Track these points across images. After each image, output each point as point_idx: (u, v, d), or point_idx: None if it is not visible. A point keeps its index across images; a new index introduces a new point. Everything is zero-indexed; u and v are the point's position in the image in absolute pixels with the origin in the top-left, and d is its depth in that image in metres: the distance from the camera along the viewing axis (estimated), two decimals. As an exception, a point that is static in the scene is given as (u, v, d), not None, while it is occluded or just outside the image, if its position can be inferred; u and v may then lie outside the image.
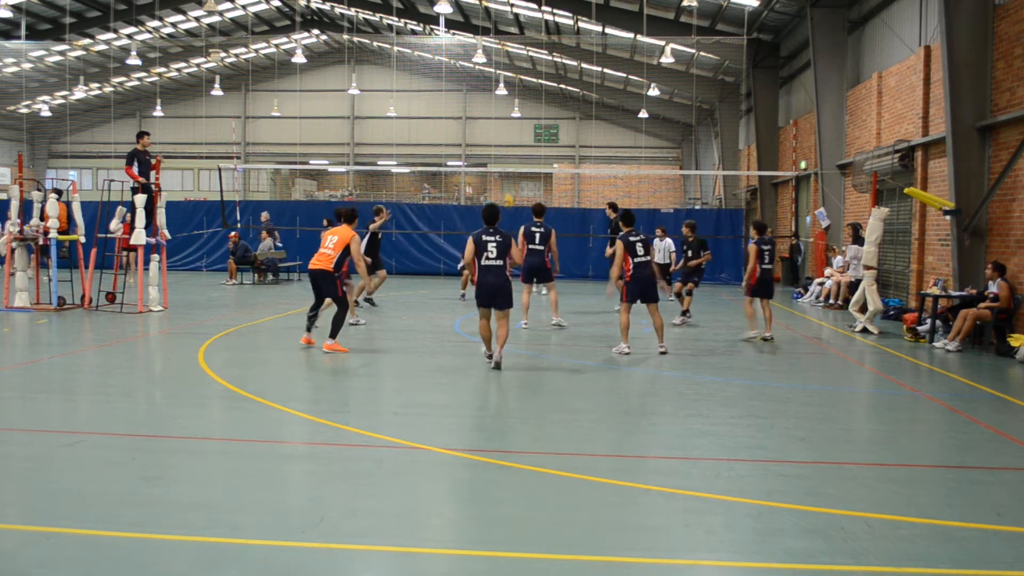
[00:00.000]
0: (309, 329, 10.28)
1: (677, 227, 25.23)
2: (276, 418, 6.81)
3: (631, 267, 10.19)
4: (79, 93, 37.26)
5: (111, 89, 38.85)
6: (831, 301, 16.71)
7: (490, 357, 9.05)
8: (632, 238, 10.27)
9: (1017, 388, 8.62)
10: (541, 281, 13.02)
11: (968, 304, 11.41)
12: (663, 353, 10.12)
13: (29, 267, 14.21)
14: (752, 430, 6.64)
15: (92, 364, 9.22)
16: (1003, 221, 11.90)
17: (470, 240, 8.92)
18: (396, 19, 31.73)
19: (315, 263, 10.06)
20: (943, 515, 4.65)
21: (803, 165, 22.61)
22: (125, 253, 14.52)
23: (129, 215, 13.73)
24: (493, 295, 8.92)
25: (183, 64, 37.67)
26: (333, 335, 10.01)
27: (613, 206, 16.48)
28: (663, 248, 15.88)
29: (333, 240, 10.08)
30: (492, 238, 8.88)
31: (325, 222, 18.46)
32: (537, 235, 12.61)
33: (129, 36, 31.13)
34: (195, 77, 39.27)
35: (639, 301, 10.30)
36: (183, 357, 9.63)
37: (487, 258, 8.86)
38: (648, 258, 10.25)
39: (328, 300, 10.35)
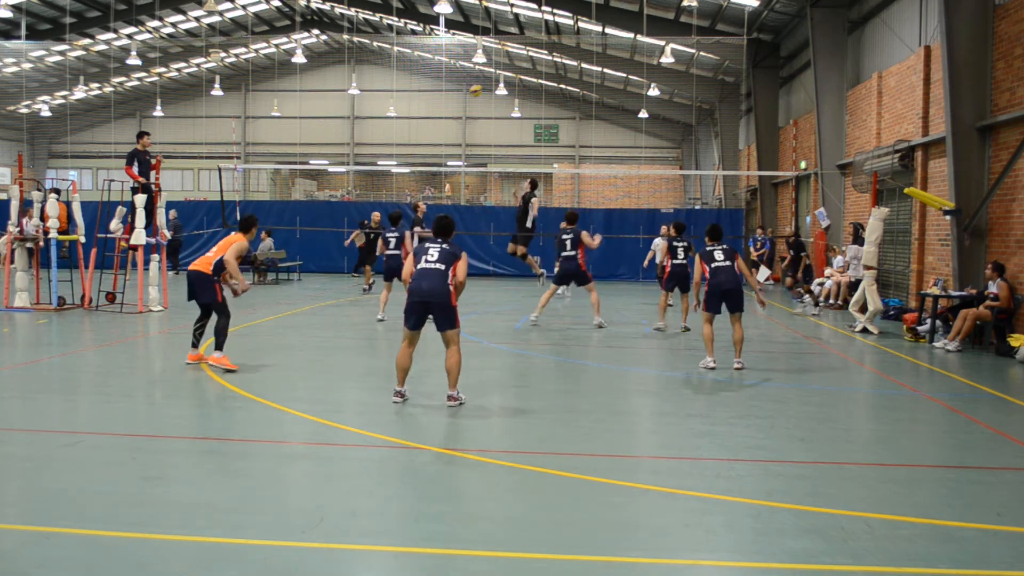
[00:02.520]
0: (195, 344, 9.03)
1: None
2: (276, 418, 6.81)
3: (708, 273, 9.31)
4: (79, 93, 37.25)
5: (111, 89, 38.84)
6: (831, 301, 16.71)
7: (400, 395, 7.20)
8: (709, 247, 9.48)
9: (1017, 388, 8.62)
10: (580, 284, 13.23)
11: (968, 304, 11.41)
12: (739, 369, 9.17)
13: (29, 267, 14.22)
14: (752, 430, 6.64)
15: (92, 364, 9.22)
16: (1003, 221, 11.90)
17: (411, 254, 7.31)
18: (396, 19, 31.73)
19: (194, 264, 8.86)
20: (943, 515, 4.65)
21: (803, 165, 22.61)
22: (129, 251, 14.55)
23: (129, 215, 13.75)
24: (426, 307, 6.96)
25: (183, 64, 37.66)
26: (219, 347, 8.65)
27: (533, 183, 15.73)
28: (663, 248, 15.68)
29: (219, 243, 8.88)
30: (436, 244, 7.17)
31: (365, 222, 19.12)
32: (568, 242, 12.86)
33: (129, 36, 31.12)
34: (195, 77, 39.26)
35: (722, 310, 9.33)
36: (183, 357, 9.62)
37: (425, 260, 7.05)
38: (728, 263, 9.29)
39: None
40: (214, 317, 8.89)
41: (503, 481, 5.25)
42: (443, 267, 7.01)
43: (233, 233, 8.93)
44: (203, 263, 8.76)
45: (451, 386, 7.20)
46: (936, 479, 5.52)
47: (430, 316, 7.10)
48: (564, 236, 12.94)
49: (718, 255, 9.40)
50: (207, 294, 8.74)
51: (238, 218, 23.12)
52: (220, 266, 8.69)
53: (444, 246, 7.15)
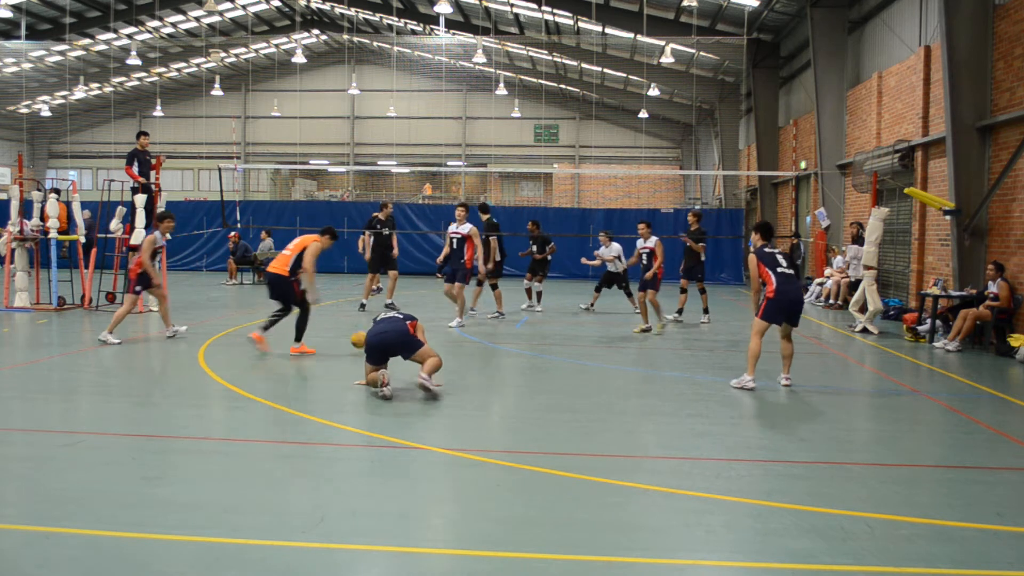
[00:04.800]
0: (266, 328, 9.71)
1: (677, 227, 25.28)
2: (276, 418, 6.81)
3: (773, 282, 8.08)
4: (79, 93, 37.26)
5: (111, 89, 38.85)
6: (831, 301, 16.71)
7: (384, 389, 7.33)
8: (768, 248, 8.34)
9: (1017, 388, 8.62)
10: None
11: (968, 304, 11.41)
12: (787, 386, 8.29)
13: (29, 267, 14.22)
14: (752, 430, 6.65)
15: (92, 364, 9.21)
16: (1003, 221, 11.90)
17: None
18: (396, 19, 31.73)
19: (273, 266, 9.65)
20: (943, 515, 4.65)
21: (803, 165, 22.61)
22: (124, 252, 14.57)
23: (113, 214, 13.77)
24: (385, 345, 7.46)
25: (183, 64, 37.67)
26: (298, 338, 9.62)
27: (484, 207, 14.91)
28: (612, 254, 15.17)
29: (292, 244, 9.66)
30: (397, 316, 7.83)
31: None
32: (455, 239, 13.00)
33: (129, 36, 31.13)
34: (195, 77, 39.27)
35: (782, 323, 8.26)
36: (183, 357, 9.62)
37: (383, 316, 7.86)
38: (792, 271, 8.22)
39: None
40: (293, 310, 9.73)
41: (503, 481, 5.25)
42: (401, 316, 7.80)
43: (311, 235, 9.73)
44: (280, 265, 9.53)
45: (426, 376, 7.42)
46: (936, 479, 5.52)
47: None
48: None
49: (781, 259, 8.24)
50: (286, 294, 9.60)
51: (238, 218, 23.27)
52: (296, 265, 9.48)
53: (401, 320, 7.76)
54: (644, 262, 12.75)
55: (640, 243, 12.87)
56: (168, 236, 10.94)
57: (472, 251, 12.62)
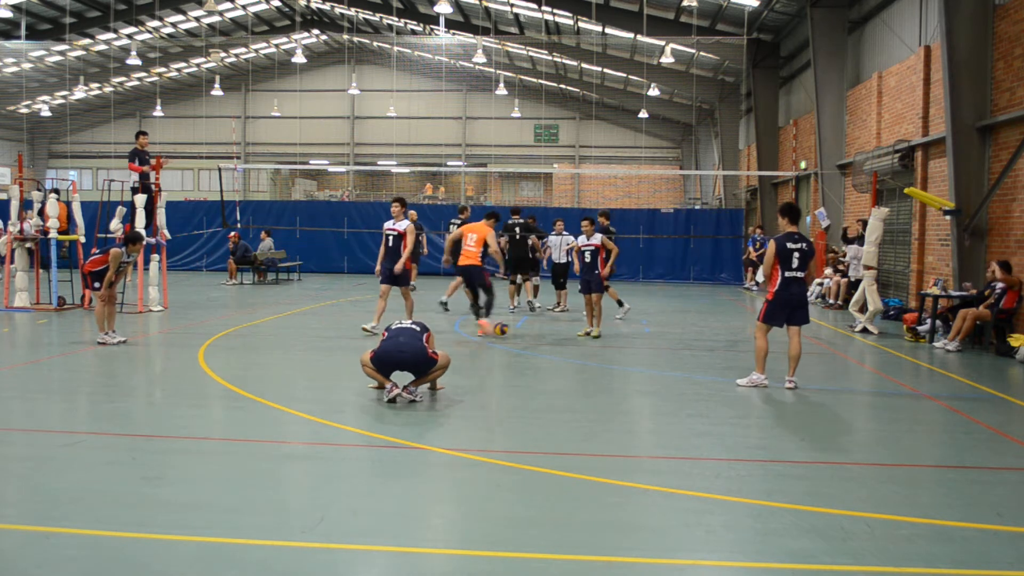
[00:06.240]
0: (478, 316, 11.56)
1: (676, 227, 25.28)
2: (276, 418, 6.80)
3: (778, 280, 8.07)
4: (79, 93, 37.27)
5: (111, 89, 38.85)
6: (831, 301, 16.71)
7: (394, 388, 7.21)
8: (790, 244, 8.02)
9: (1017, 388, 8.62)
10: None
11: (970, 304, 11.40)
12: (791, 388, 8.11)
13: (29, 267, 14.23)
14: (752, 430, 6.65)
15: (92, 364, 9.21)
16: (1003, 221, 11.90)
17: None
18: (396, 19, 31.74)
19: (463, 260, 11.53)
20: (943, 515, 4.65)
21: (803, 165, 22.61)
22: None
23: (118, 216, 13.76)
24: (400, 363, 7.19)
25: (183, 64, 37.68)
26: (487, 315, 11.48)
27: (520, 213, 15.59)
28: (558, 244, 14.99)
29: (473, 238, 11.51)
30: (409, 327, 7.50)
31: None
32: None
33: (129, 36, 31.14)
34: (195, 77, 39.28)
35: (783, 324, 8.21)
36: (183, 357, 9.63)
37: (400, 323, 7.56)
38: (801, 274, 8.03)
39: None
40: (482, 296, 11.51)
41: (503, 481, 5.25)
42: (418, 329, 7.41)
43: (480, 224, 11.80)
44: (471, 258, 11.48)
45: (415, 384, 7.31)
46: (936, 479, 5.52)
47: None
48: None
49: (796, 260, 7.98)
50: (480, 279, 11.48)
51: (238, 218, 23.25)
52: (484, 253, 11.56)
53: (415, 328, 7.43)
54: (587, 260, 12.02)
55: (582, 240, 12.16)
56: (132, 257, 10.79)
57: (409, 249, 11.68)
